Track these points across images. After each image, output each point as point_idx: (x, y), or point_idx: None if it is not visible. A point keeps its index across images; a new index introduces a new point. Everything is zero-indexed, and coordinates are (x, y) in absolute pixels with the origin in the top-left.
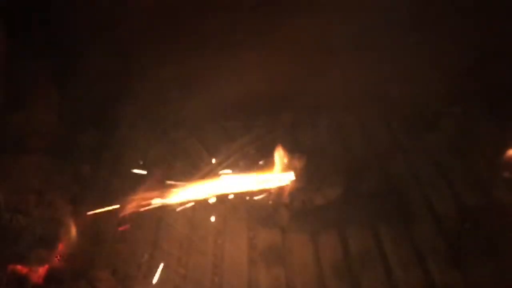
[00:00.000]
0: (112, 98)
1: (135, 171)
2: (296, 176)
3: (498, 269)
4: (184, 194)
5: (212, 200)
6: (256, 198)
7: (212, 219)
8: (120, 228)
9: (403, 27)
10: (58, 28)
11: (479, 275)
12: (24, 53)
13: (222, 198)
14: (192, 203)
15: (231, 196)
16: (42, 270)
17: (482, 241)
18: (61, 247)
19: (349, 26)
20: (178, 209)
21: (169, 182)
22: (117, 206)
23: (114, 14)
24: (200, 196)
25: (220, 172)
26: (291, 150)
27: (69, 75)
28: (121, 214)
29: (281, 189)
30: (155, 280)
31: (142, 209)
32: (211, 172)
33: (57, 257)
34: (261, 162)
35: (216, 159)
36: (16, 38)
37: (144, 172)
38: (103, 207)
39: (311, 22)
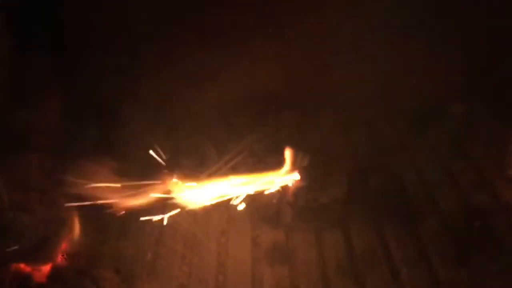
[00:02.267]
0: (118, 96)
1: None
2: (301, 174)
3: (503, 268)
4: (189, 191)
5: (217, 198)
6: (260, 196)
7: (216, 217)
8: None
9: (408, 27)
10: (62, 26)
11: (485, 274)
12: (27, 51)
13: (226, 197)
14: (198, 201)
15: (235, 195)
16: (45, 269)
17: (488, 240)
18: (64, 245)
19: (355, 25)
20: (183, 207)
21: (174, 179)
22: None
23: (120, 12)
24: (205, 194)
25: (226, 170)
26: (296, 148)
27: (72, 73)
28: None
29: (285, 187)
30: (159, 278)
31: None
32: (219, 170)
33: (62, 256)
34: (266, 161)
35: (223, 157)
36: (19, 36)
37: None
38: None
39: (319, 21)
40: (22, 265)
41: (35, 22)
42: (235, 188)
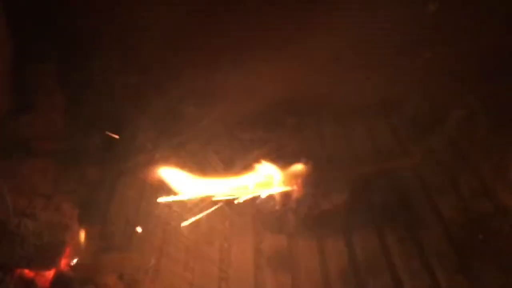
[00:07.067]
0: (125, 108)
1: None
2: (303, 181)
3: (507, 276)
4: (192, 198)
5: (219, 205)
6: (262, 203)
7: (219, 224)
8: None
9: (409, 34)
10: (69, 36)
11: (488, 282)
12: (33, 58)
13: (229, 203)
14: (199, 208)
15: (237, 201)
16: (49, 275)
17: (490, 248)
18: (68, 251)
19: (356, 34)
20: (185, 214)
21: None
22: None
23: (130, 27)
24: (207, 201)
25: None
26: (298, 155)
27: (79, 81)
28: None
29: (287, 194)
30: (162, 285)
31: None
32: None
33: (66, 261)
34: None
35: (230, 171)
36: (24, 42)
37: None
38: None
39: (321, 31)
40: (26, 271)
41: (42, 30)
42: (237, 194)
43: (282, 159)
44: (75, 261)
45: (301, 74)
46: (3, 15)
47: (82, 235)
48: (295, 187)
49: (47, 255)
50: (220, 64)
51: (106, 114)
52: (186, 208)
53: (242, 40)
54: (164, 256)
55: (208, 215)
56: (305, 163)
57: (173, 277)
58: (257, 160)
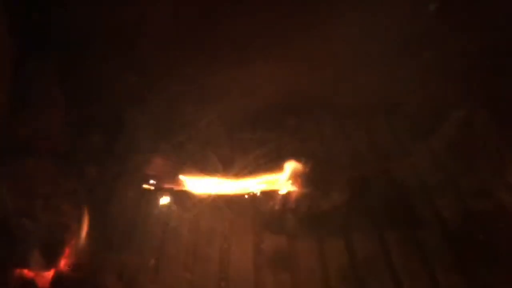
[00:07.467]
0: (124, 108)
1: None
2: (302, 181)
3: (506, 277)
4: (191, 199)
5: (219, 205)
6: (262, 203)
7: (219, 224)
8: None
9: (410, 36)
10: (68, 33)
11: (487, 283)
12: (32, 56)
13: (228, 203)
14: (199, 208)
15: (237, 201)
16: (48, 275)
17: (490, 248)
18: (68, 251)
19: (357, 36)
20: (184, 214)
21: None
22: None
23: (130, 27)
24: (206, 201)
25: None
26: (297, 156)
27: (78, 81)
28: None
29: (287, 194)
30: (162, 285)
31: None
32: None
33: (65, 262)
34: (268, 168)
35: (230, 171)
36: (24, 41)
37: None
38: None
39: (324, 35)
40: (25, 271)
41: (42, 29)
42: (237, 194)
43: (282, 159)
44: (74, 261)
45: (301, 74)
46: (3, 14)
47: (81, 235)
48: (295, 187)
49: (47, 255)
50: (220, 64)
51: (106, 114)
52: (186, 208)
53: (242, 40)
54: (163, 256)
55: (207, 215)
56: (305, 163)
57: (172, 277)
58: (257, 160)
